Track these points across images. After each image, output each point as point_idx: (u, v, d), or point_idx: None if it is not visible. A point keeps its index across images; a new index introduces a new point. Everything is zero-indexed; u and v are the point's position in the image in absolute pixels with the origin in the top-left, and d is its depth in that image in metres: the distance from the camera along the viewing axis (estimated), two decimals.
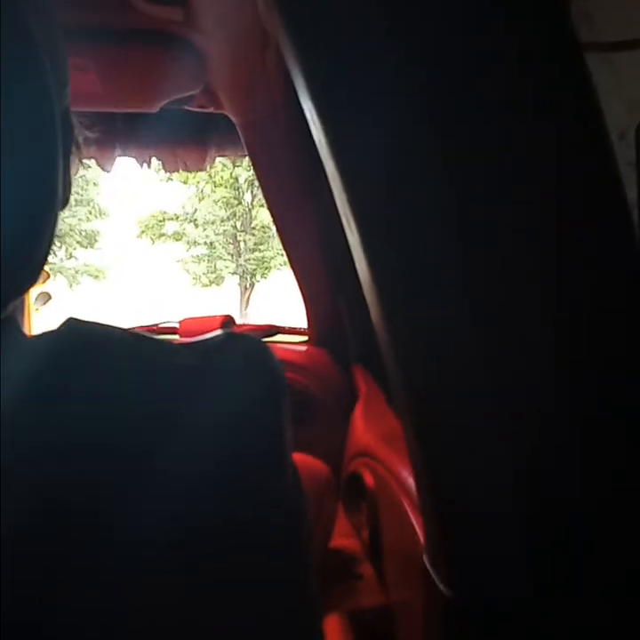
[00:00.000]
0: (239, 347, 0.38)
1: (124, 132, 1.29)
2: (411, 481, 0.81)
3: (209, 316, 1.50)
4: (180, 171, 1.38)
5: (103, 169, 1.30)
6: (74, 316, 0.36)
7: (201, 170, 1.39)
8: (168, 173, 1.38)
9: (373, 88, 0.40)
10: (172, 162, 1.36)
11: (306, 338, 1.44)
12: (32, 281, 0.37)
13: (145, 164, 1.37)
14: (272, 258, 12.75)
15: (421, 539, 0.70)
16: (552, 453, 0.38)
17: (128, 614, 0.30)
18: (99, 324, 0.36)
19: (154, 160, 1.37)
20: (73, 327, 0.36)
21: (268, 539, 0.35)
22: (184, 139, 1.37)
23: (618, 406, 0.38)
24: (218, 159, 1.47)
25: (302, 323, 1.48)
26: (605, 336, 0.38)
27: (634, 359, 0.38)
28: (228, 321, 1.46)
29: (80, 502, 0.31)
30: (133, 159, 1.38)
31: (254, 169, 1.26)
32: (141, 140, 1.33)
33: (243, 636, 0.34)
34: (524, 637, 0.39)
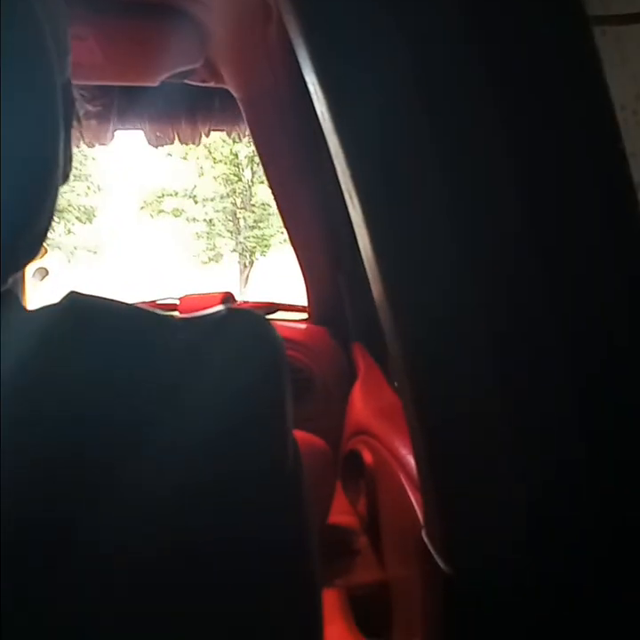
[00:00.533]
0: (240, 321, 0.38)
1: (120, 104, 1.28)
2: (409, 458, 0.81)
3: (209, 293, 1.50)
4: (175, 143, 1.37)
5: (100, 143, 1.29)
6: (75, 290, 0.36)
7: (195, 143, 1.38)
8: (163, 146, 1.37)
9: (378, 62, 0.40)
10: (167, 134, 1.35)
11: (306, 316, 1.44)
12: (32, 255, 0.37)
13: (142, 138, 1.36)
14: (272, 235, 12.71)
15: (420, 516, 0.70)
16: (555, 432, 0.38)
17: (126, 587, 0.30)
18: (100, 297, 0.36)
19: (151, 133, 1.36)
20: (74, 300, 0.36)
21: (268, 513, 0.35)
22: (179, 112, 1.36)
23: (620, 388, 0.37)
24: (217, 135, 1.46)
25: (302, 301, 1.48)
26: (608, 323, 0.38)
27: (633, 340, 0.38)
28: (228, 298, 1.46)
29: (79, 474, 0.31)
30: (130, 131, 1.37)
31: (255, 145, 1.25)
32: (137, 112, 1.32)
33: (243, 609, 0.34)
34: (522, 614, 0.39)
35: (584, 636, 0.38)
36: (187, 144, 1.38)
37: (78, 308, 0.35)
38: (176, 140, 1.36)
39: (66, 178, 0.46)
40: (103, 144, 1.29)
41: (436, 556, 0.44)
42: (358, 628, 0.86)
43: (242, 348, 0.36)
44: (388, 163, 0.40)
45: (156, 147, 1.37)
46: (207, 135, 1.39)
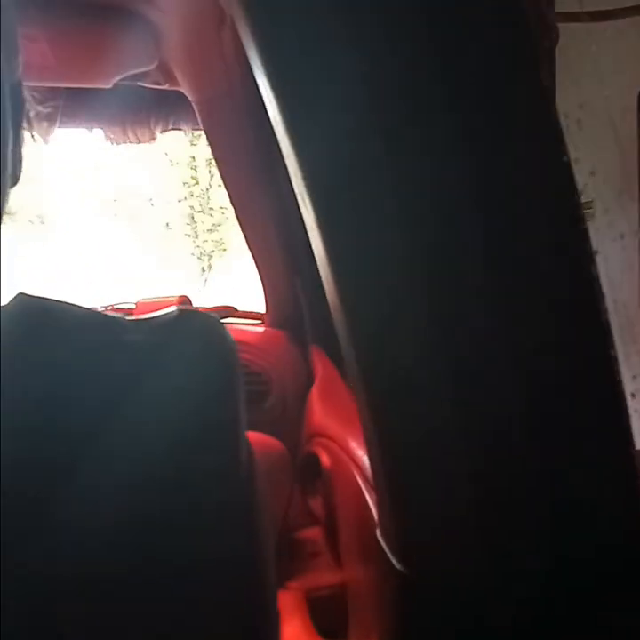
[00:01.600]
0: (192, 322, 0.38)
1: (71, 104, 1.26)
2: (366, 459, 0.82)
3: (165, 297, 1.49)
4: (128, 142, 1.35)
5: (43, 140, 1.26)
6: (23, 291, 0.36)
7: (148, 141, 1.37)
8: (118, 144, 1.35)
9: (330, 65, 0.40)
10: (120, 134, 1.33)
11: (261, 321, 1.44)
12: None
13: (96, 139, 1.34)
14: (230, 240, 12.64)
15: (375, 515, 0.71)
16: (508, 428, 0.38)
17: (78, 586, 0.30)
18: (49, 299, 0.36)
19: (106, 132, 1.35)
20: (22, 302, 0.35)
21: (221, 515, 0.35)
22: (131, 111, 1.34)
23: (574, 375, 0.38)
24: (174, 137, 1.45)
25: (260, 305, 1.47)
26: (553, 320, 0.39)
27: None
28: (184, 302, 1.45)
29: (34, 478, 0.30)
30: (81, 129, 1.35)
31: (211, 148, 1.25)
32: (87, 112, 1.31)
33: (196, 611, 0.34)
34: (478, 612, 0.40)
35: (541, 634, 0.39)
36: (140, 142, 1.36)
37: (26, 309, 0.35)
38: (129, 140, 1.34)
39: (16, 180, 0.45)
40: (45, 141, 1.26)
41: (390, 555, 0.44)
42: (315, 628, 0.86)
43: (192, 349, 0.36)
44: (339, 165, 0.41)
45: (114, 143, 1.35)
46: (161, 132, 1.38)
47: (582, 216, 0.39)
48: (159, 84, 1.22)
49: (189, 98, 1.20)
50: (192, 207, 13.02)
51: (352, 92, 0.39)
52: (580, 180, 0.38)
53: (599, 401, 0.40)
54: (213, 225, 12.96)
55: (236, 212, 1.29)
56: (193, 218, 13.18)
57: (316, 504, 1.01)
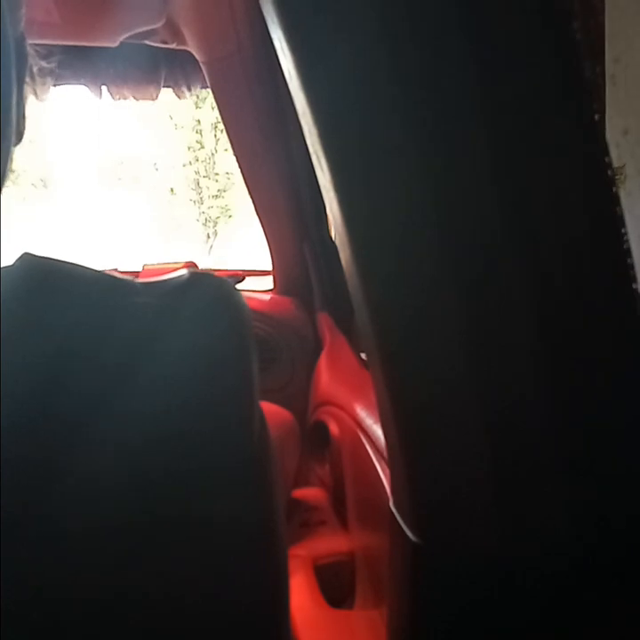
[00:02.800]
0: (203, 285, 0.36)
1: (71, 59, 1.23)
2: (375, 428, 0.81)
3: (171, 263, 1.47)
4: (131, 99, 1.33)
5: (38, 98, 1.24)
6: (28, 251, 0.34)
7: (152, 99, 1.34)
8: (119, 100, 1.32)
9: (347, 17, 0.38)
10: (123, 92, 1.31)
11: (271, 286, 1.43)
12: None
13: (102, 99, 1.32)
14: (236, 206, 12.56)
15: (386, 485, 0.70)
16: (526, 401, 0.37)
17: (86, 554, 0.29)
18: (56, 259, 0.34)
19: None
20: (28, 262, 0.34)
21: (233, 482, 0.34)
22: (135, 69, 1.31)
23: (594, 351, 0.37)
24: (179, 100, 1.42)
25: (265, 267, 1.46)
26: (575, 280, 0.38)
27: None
28: (191, 268, 1.43)
29: (41, 443, 0.29)
30: (83, 90, 1.32)
31: (219, 110, 1.22)
32: (90, 69, 1.28)
33: (209, 582, 0.33)
34: (493, 583, 0.39)
35: (553, 603, 0.38)
36: (143, 99, 1.33)
37: (32, 269, 0.34)
38: (133, 97, 1.32)
39: (20, 137, 0.44)
40: (40, 100, 1.23)
41: (403, 526, 0.43)
42: (323, 595, 0.87)
43: (205, 311, 0.35)
44: (357, 122, 0.39)
45: (115, 100, 1.32)
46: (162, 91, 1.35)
47: (612, 178, 0.37)
48: (166, 43, 1.19)
49: (197, 57, 1.17)
50: (197, 172, 12.93)
51: (369, 46, 0.37)
52: (612, 139, 0.37)
53: (619, 359, 0.38)
54: (219, 190, 12.88)
55: (243, 175, 1.27)
56: (198, 183, 13.10)
57: (324, 472, 1.01)
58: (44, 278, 0.33)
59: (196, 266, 1.46)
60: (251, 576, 0.36)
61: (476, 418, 0.38)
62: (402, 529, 0.43)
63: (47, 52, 0.60)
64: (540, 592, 0.39)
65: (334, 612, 0.83)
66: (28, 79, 0.47)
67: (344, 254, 0.44)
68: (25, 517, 0.28)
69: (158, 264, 1.51)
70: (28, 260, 0.34)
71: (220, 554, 0.33)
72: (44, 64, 0.61)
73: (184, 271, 0.37)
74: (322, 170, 0.42)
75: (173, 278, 0.36)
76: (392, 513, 0.46)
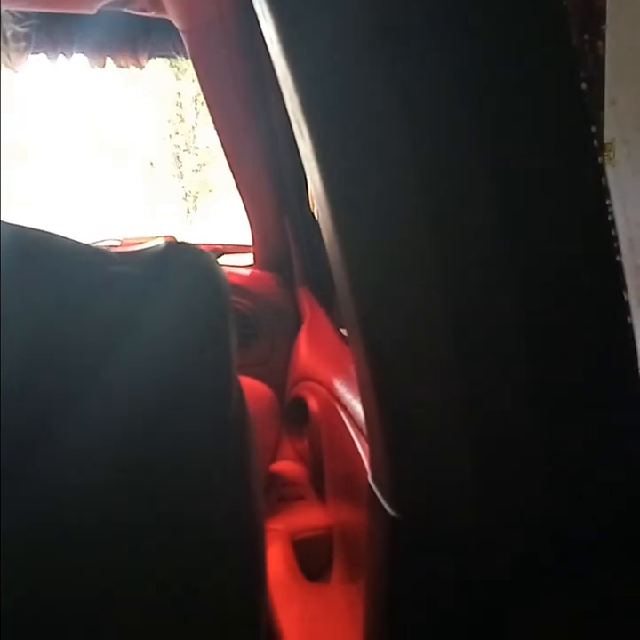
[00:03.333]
0: (181, 255, 0.35)
1: (49, 28, 1.20)
2: (354, 403, 0.81)
3: (151, 237, 1.46)
4: (110, 66, 1.30)
5: (12, 66, 1.21)
6: (6, 221, 0.33)
7: (129, 67, 1.32)
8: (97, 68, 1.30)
9: None
10: (102, 61, 1.28)
11: (251, 261, 1.42)
12: None
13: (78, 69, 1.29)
14: (217, 181, 12.43)
15: (365, 460, 0.70)
16: (509, 376, 0.37)
17: (67, 526, 0.29)
18: (33, 228, 0.33)
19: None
20: (7, 231, 0.33)
21: (212, 455, 0.34)
22: (113, 39, 1.29)
23: (578, 332, 0.37)
24: (159, 71, 1.40)
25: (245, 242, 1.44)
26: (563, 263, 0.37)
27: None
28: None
29: (25, 411, 0.29)
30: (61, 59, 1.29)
31: (199, 80, 1.20)
32: (68, 38, 1.25)
33: (186, 555, 0.33)
34: (470, 559, 0.39)
35: (532, 579, 0.38)
36: (121, 67, 1.31)
37: (11, 239, 0.33)
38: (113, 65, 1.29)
39: None
40: (17, 69, 1.20)
41: (382, 500, 0.43)
42: (300, 569, 0.87)
43: (183, 281, 0.34)
44: (339, 88, 0.38)
45: (95, 67, 1.29)
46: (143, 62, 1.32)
47: (596, 149, 0.37)
48: (145, 11, 1.16)
49: (177, 26, 1.15)
50: (177, 146, 12.76)
51: (353, 9, 0.36)
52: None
53: (606, 343, 0.38)
54: (199, 165, 12.73)
55: (223, 148, 1.25)
56: (178, 157, 12.94)
57: (303, 447, 1.01)
58: (22, 248, 0.33)
59: (175, 240, 1.44)
60: (228, 547, 0.35)
61: (458, 391, 0.38)
62: (380, 503, 0.43)
63: (22, 17, 0.58)
64: (519, 567, 0.39)
65: (311, 585, 0.83)
66: (1, 43, 0.46)
67: (325, 226, 0.43)
68: (7, 493, 0.28)
69: (137, 238, 1.49)
70: (6, 230, 0.33)
71: (195, 523, 0.33)
72: (17, 28, 0.59)
73: (160, 241, 0.36)
74: (303, 138, 0.41)
75: (150, 248, 0.36)
76: (370, 487, 0.46)
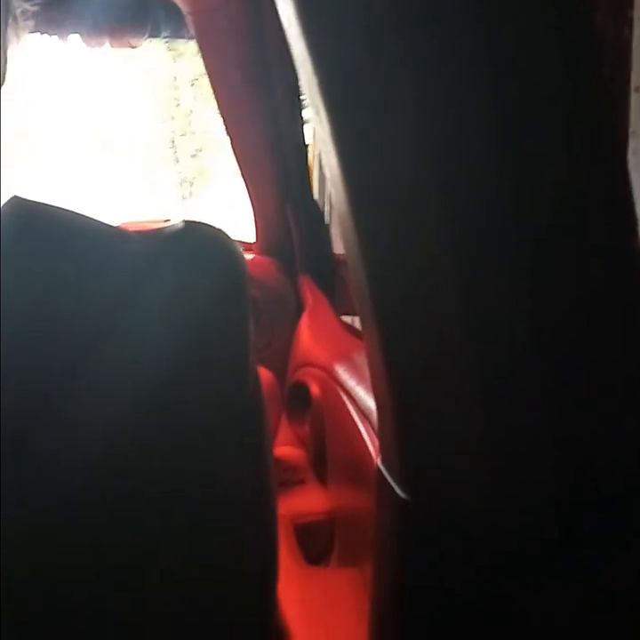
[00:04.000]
0: (198, 232, 0.35)
1: (46, 8, 1.19)
2: (358, 389, 0.81)
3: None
4: (107, 46, 1.29)
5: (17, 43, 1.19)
6: (18, 195, 0.33)
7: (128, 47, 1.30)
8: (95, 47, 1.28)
9: None
10: (99, 41, 1.27)
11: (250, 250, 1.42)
12: None
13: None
14: (214, 167, 12.34)
15: (370, 445, 0.71)
16: (520, 361, 0.37)
17: (76, 504, 0.29)
18: (45, 203, 0.33)
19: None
20: (17, 205, 0.33)
21: (226, 435, 0.34)
22: (112, 19, 1.27)
23: (590, 328, 0.37)
24: (156, 54, 1.39)
25: (243, 236, 1.44)
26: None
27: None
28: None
29: (29, 387, 0.29)
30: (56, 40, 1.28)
31: (204, 63, 1.19)
32: (65, 17, 1.24)
33: (200, 536, 0.33)
34: (481, 541, 0.39)
35: (545, 563, 0.38)
36: (119, 47, 1.29)
37: (22, 212, 0.32)
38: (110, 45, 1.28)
39: (2, 79, 0.42)
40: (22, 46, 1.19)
41: (392, 483, 0.44)
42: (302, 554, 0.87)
43: (200, 259, 0.34)
44: (359, 73, 0.38)
45: (91, 47, 1.28)
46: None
47: (619, 140, 0.37)
48: None
49: (183, 8, 1.14)
50: (173, 130, 12.65)
51: None
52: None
53: (616, 332, 0.38)
54: (196, 150, 12.62)
55: (228, 132, 1.25)
56: (174, 142, 12.83)
57: (304, 432, 1.01)
58: (33, 222, 0.32)
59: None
60: (241, 530, 0.35)
61: (470, 374, 0.38)
62: (390, 486, 0.43)
63: None
64: (527, 552, 0.39)
65: (312, 569, 0.84)
66: (10, 21, 0.46)
67: (339, 208, 0.43)
68: (8, 471, 0.28)
69: (135, 222, 1.48)
70: (17, 204, 0.33)
71: (211, 502, 0.33)
72: (27, 6, 0.58)
73: (179, 221, 0.36)
74: (320, 122, 0.41)
75: (169, 227, 0.35)
76: (379, 470, 0.46)
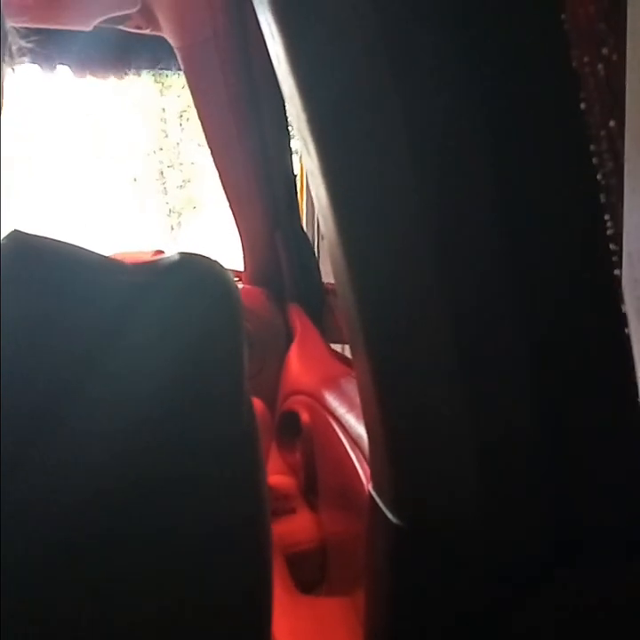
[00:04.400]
0: (193, 264, 0.36)
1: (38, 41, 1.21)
2: (348, 417, 0.82)
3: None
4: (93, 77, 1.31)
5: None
6: (18, 229, 0.34)
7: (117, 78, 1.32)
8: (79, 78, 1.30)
9: (338, 2, 0.38)
10: (86, 73, 1.29)
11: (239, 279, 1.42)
12: None
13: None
14: (201, 198, 12.37)
15: (361, 472, 0.71)
16: (513, 385, 0.38)
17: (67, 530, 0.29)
18: (45, 237, 0.34)
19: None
20: (17, 239, 0.33)
21: (223, 469, 0.34)
22: (101, 53, 1.29)
23: (578, 338, 0.38)
24: (144, 87, 1.41)
25: (230, 265, 1.45)
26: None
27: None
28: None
29: (21, 416, 0.29)
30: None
31: (192, 95, 1.21)
32: (56, 50, 1.26)
33: (196, 567, 0.33)
34: (474, 566, 0.39)
35: (538, 587, 0.39)
36: (105, 78, 1.31)
37: (20, 246, 0.33)
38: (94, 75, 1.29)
39: None
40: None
41: (384, 509, 0.44)
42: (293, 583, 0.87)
43: (196, 290, 0.35)
44: (346, 107, 0.39)
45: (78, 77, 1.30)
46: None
47: (593, 164, 0.38)
48: (140, 29, 1.17)
49: (172, 43, 1.16)
50: (161, 162, 12.70)
51: (361, 29, 0.37)
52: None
53: (604, 351, 0.39)
54: (183, 181, 12.67)
55: (215, 163, 1.26)
56: (162, 173, 12.88)
57: (294, 460, 1.01)
58: (33, 256, 0.33)
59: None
60: (235, 560, 0.36)
61: (461, 399, 0.38)
62: (382, 511, 0.44)
63: (26, 32, 0.59)
64: (524, 575, 0.39)
65: (304, 598, 0.83)
66: (6, 57, 0.47)
67: (330, 241, 0.44)
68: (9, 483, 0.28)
69: (126, 252, 1.48)
70: (17, 238, 0.34)
71: (207, 532, 0.33)
72: (23, 43, 0.60)
73: (175, 254, 0.37)
74: (309, 155, 0.42)
75: (165, 258, 0.36)
76: (371, 496, 0.46)
